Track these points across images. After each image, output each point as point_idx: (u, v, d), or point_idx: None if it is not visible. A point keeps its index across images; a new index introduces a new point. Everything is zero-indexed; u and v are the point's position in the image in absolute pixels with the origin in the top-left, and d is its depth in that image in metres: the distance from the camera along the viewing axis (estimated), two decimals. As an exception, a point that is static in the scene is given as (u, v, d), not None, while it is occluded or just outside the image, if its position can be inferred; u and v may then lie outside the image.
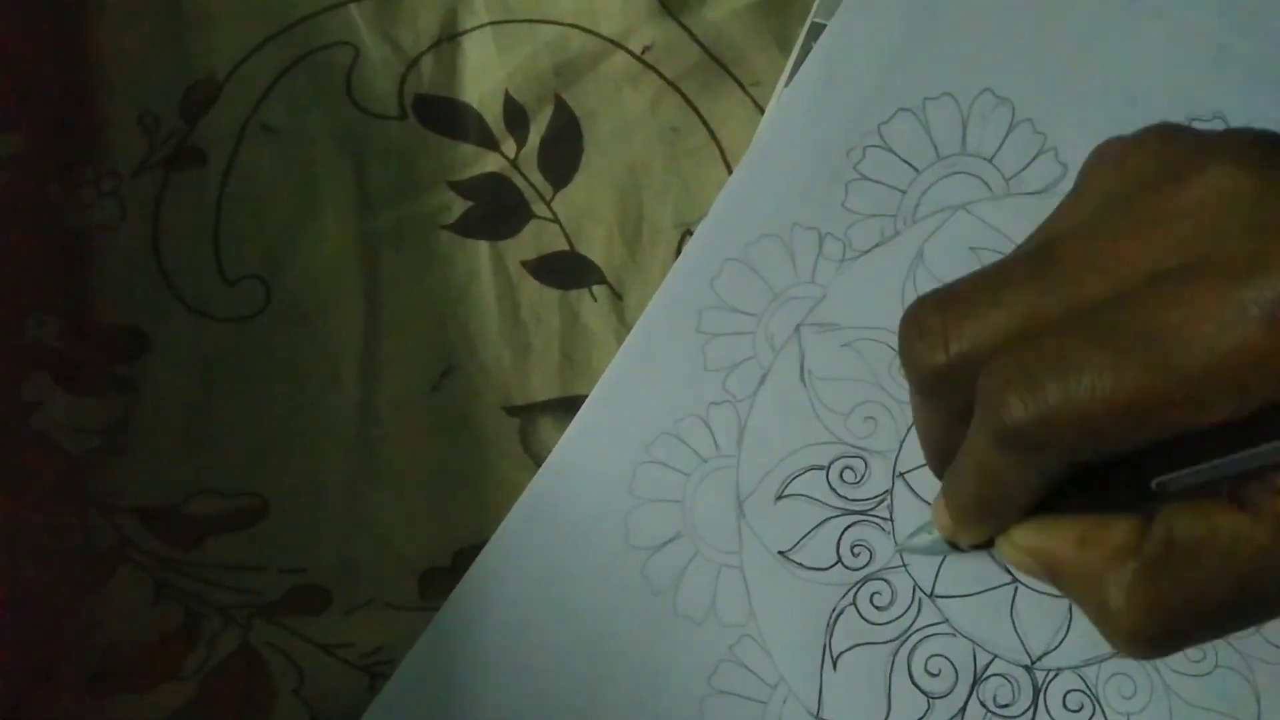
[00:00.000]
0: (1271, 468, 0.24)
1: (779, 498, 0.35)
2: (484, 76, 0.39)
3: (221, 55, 0.39)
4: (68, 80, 0.39)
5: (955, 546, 0.32)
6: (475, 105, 0.39)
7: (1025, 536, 0.28)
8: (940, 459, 0.29)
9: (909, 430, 0.35)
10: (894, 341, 0.35)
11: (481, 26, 0.39)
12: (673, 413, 0.36)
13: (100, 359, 0.38)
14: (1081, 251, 0.25)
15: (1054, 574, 0.27)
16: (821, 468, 0.35)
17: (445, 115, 0.39)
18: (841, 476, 0.35)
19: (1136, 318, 0.23)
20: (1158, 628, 0.25)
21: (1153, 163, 0.25)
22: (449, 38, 0.39)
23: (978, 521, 0.29)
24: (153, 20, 0.39)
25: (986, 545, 0.30)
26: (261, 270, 0.38)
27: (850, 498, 0.35)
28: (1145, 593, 0.25)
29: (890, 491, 0.35)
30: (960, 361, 0.25)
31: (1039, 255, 0.25)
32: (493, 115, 0.39)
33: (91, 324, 0.38)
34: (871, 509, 0.35)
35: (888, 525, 0.35)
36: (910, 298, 0.35)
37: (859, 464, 0.35)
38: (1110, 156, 0.26)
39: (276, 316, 0.38)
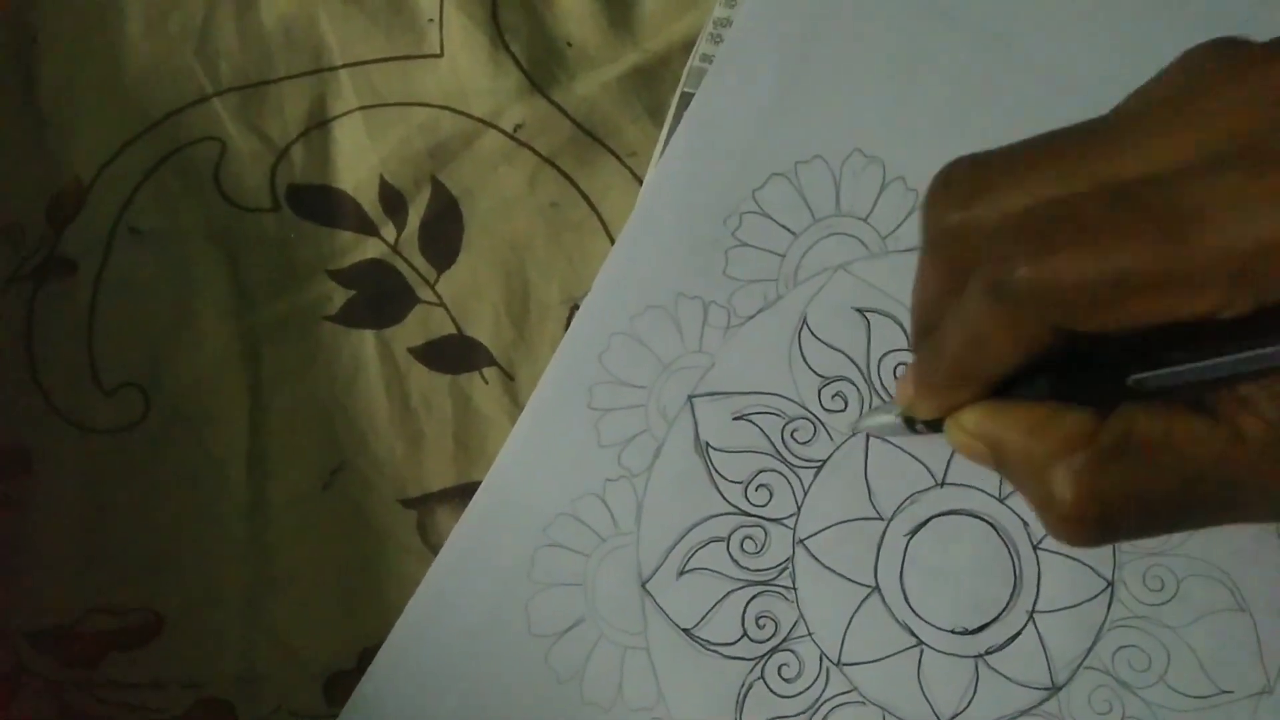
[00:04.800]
0: (1241, 378, 0.24)
1: (681, 573, 0.35)
2: (357, 162, 0.39)
3: (85, 158, 0.38)
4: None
5: (911, 428, 0.30)
6: (350, 191, 0.39)
7: (975, 420, 0.27)
8: (922, 326, 0.28)
9: (806, 497, 0.35)
10: (785, 408, 0.35)
11: (351, 112, 0.39)
12: (569, 493, 0.36)
13: (-19, 480, 0.37)
14: (1126, 134, 0.25)
15: (1000, 459, 0.27)
16: (721, 539, 0.35)
17: (320, 203, 0.39)
18: (742, 547, 0.35)
19: (1161, 194, 0.23)
20: (1100, 516, 0.25)
21: (1214, 61, 0.25)
22: (318, 125, 0.39)
23: (943, 388, 0.28)
24: (11, 126, 0.38)
25: (937, 428, 0.29)
26: (140, 378, 0.37)
27: (752, 568, 0.35)
28: (1093, 480, 0.25)
29: (791, 559, 0.35)
30: (977, 221, 0.25)
31: (1084, 131, 0.25)
32: (369, 200, 0.38)
33: (-30, 445, 0.37)
34: (774, 579, 0.35)
35: (790, 594, 0.35)
36: (796, 361, 0.35)
37: (759, 533, 0.35)
38: (1179, 57, 0.26)
39: (158, 424, 0.37)
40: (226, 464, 0.37)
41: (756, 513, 0.35)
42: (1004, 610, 0.34)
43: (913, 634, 0.34)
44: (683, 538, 0.35)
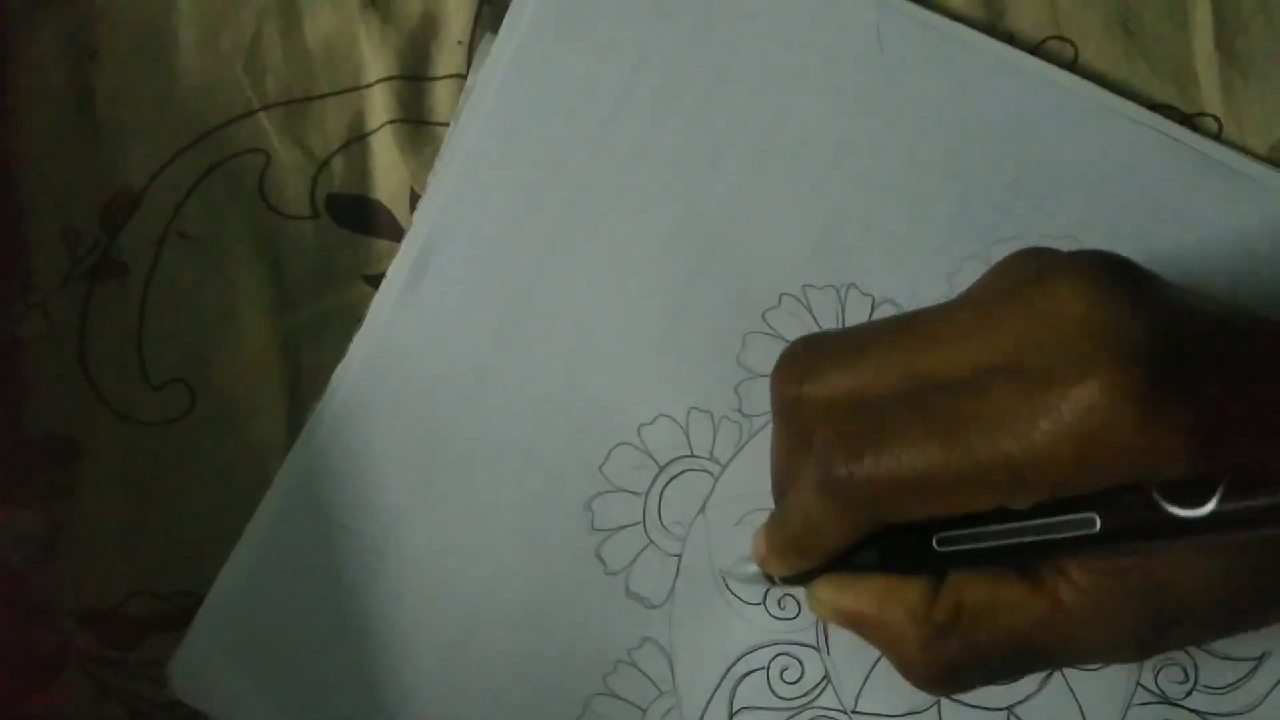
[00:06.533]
0: (1059, 548, 0.27)
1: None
2: (391, 174, 0.41)
3: (138, 167, 0.41)
4: (-10, 199, 0.40)
5: (770, 580, 0.33)
6: (385, 202, 0.41)
7: (829, 594, 0.31)
8: (779, 485, 0.32)
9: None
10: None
11: (382, 126, 0.41)
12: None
13: (35, 469, 0.39)
14: (933, 334, 0.28)
15: (858, 628, 0.31)
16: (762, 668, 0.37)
17: (357, 212, 0.41)
18: (782, 676, 0.36)
19: (951, 403, 0.26)
20: (947, 677, 0.29)
21: (1019, 271, 0.28)
22: (357, 139, 0.41)
23: (789, 556, 0.31)
24: (70, 135, 0.41)
25: (798, 582, 0.32)
26: (185, 374, 0.40)
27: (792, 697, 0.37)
28: (937, 649, 0.28)
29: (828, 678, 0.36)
30: (808, 398, 0.29)
31: (900, 326, 0.29)
32: (402, 211, 0.41)
33: (25, 435, 0.39)
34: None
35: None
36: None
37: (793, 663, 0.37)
38: (1002, 260, 0.29)
39: (202, 417, 0.40)
40: (265, 455, 0.39)
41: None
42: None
43: None
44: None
